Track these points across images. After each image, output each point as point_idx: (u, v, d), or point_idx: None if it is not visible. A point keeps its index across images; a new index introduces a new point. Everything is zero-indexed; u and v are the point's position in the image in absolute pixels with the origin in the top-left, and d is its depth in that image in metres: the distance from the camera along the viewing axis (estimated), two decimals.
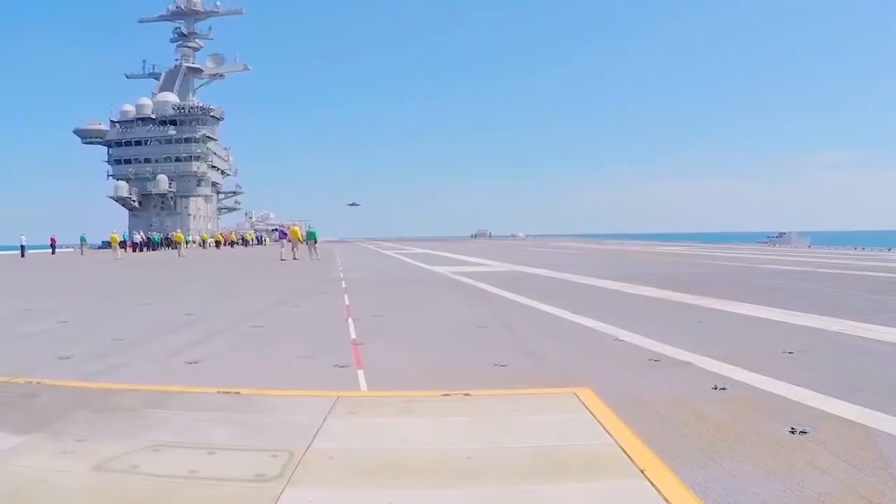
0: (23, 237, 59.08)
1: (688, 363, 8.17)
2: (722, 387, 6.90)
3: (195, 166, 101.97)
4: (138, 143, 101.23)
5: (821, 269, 25.18)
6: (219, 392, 6.89)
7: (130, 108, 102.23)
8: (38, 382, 7.47)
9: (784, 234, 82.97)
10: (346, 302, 15.64)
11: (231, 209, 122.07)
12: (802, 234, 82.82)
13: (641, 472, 4.54)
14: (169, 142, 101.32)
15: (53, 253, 64.91)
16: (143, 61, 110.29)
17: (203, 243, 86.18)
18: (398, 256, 43.30)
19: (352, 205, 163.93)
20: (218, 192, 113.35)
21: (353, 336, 10.69)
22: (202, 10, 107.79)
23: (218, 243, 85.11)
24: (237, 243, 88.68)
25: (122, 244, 61.24)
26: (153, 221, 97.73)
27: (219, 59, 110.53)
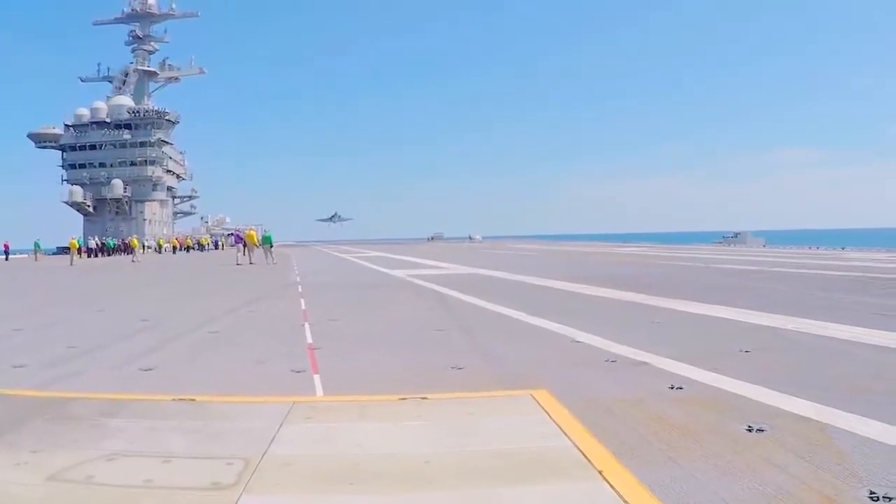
0: None
1: (645, 363, 8.21)
2: (679, 386, 6.95)
3: (150, 170, 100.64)
4: (93, 147, 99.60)
5: (775, 269, 25.54)
6: (174, 399, 6.80)
7: (85, 112, 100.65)
8: None
9: (739, 233, 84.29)
10: (303, 306, 15.53)
11: (187, 213, 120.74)
12: (756, 234, 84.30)
13: (600, 473, 4.54)
14: (124, 146, 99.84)
15: (7, 259, 63.73)
16: (98, 64, 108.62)
17: (159, 248, 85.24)
18: (355, 260, 43.03)
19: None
20: (173, 197, 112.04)
21: (310, 340, 10.60)
22: (157, 13, 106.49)
23: (175, 248, 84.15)
24: (193, 248, 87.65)
25: (77, 250, 60.13)
26: (108, 226, 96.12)
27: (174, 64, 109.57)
